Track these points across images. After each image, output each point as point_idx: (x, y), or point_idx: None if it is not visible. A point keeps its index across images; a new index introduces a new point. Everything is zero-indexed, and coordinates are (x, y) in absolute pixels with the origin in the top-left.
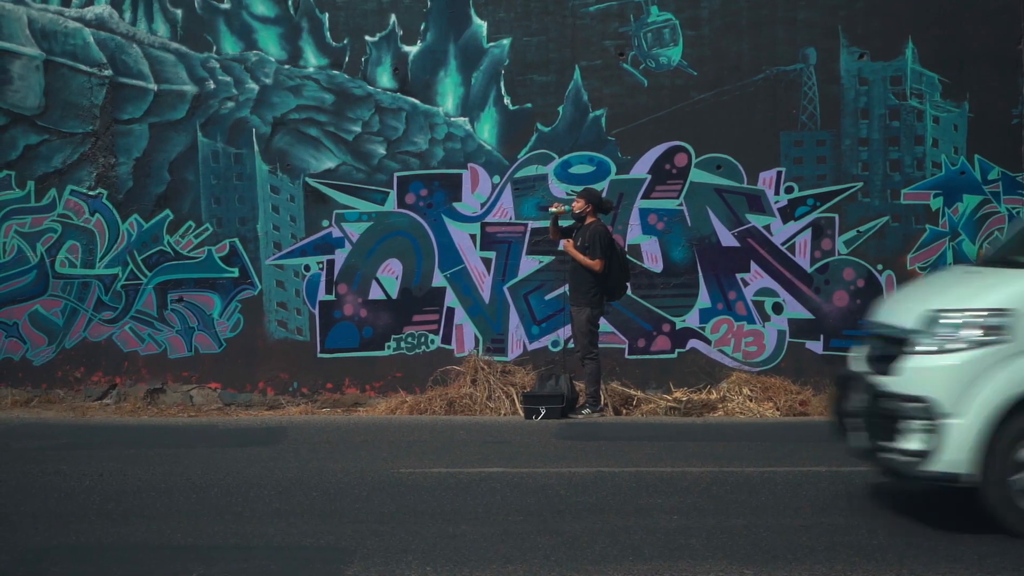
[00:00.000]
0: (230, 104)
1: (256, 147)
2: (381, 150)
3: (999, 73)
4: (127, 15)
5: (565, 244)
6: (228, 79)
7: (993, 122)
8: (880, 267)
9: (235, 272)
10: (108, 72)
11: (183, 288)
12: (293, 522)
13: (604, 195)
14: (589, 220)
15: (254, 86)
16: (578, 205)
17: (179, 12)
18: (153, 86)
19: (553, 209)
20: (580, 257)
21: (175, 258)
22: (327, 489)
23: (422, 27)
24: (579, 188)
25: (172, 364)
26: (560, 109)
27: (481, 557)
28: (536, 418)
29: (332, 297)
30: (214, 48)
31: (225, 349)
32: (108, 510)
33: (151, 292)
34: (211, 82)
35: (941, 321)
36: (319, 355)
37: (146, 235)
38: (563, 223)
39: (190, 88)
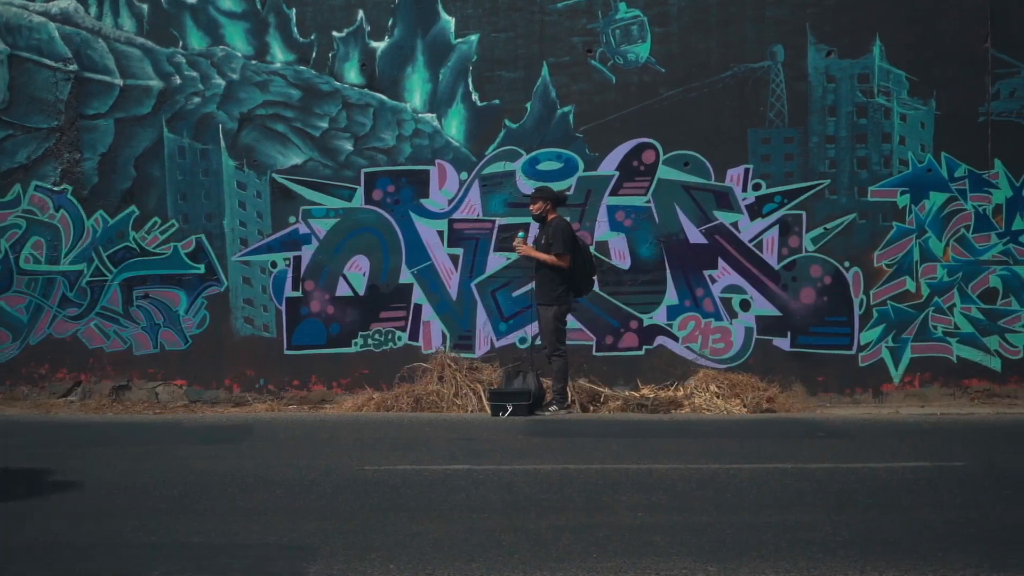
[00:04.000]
0: (196, 99)
1: (223, 143)
2: (348, 146)
3: (966, 71)
4: (92, 9)
5: (524, 249)
6: (194, 74)
7: (960, 120)
8: (847, 264)
9: (201, 268)
10: (73, 67)
11: (149, 285)
12: (257, 520)
13: (569, 191)
14: (551, 217)
15: (221, 81)
16: (537, 207)
17: (145, 7)
18: (119, 81)
19: (516, 245)
20: (544, 256)
21: (141, 254)
22: (292, 486)
23: (390, 23)
24: (544, 184)
25: (138, 361)
26: (528, 106)
27: (445, 555)
28: (503, 415)
29: (299, 294)
30: (180, 43)
31: (191, 346)
32: (70, 508)
33: (116, 288)
34: (177, 77)
35: None
36: (286, 352)
37: (111, 231)
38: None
39: (156, 83)
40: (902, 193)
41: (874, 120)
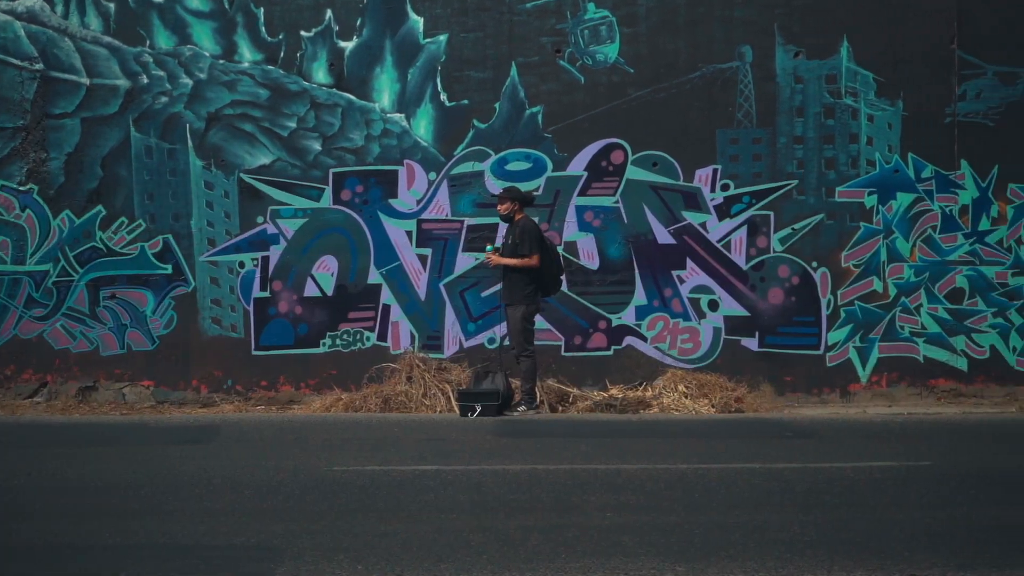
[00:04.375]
0: (164, 99)
1: (190, 142)
2: (316, 146)
3: (933, 72)
4: (59, 8)
5: (495, 260)
6: (162, 74)
7: (927, 121)
8: (815, 264)
9: (168, 269)
10: (39, 66)
11: (116, 285)
12: (224, 521)
13: (538, 191)
14: (518, 217)
15: (188, 81)
16: (504, 208)
17: (112, 6)
18: (85, 80)
19: (488, 256)
20: (515, 262)
21: (107, 254)
22: (259, 487)
23: (358, 22)
24: (507, 184)
25: (104, 361)
26: (497, 106)
27: (413, 555)
28: (472, 415)
29: (267, 294)
30: (147, 42)
31: (158, 346)
32: (36, 510)
33: (83, 289)
34: (144, 77)
35: None
36: (254, 352)
37: (78, 231)
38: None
39: (123, 83)
40: (869, 193)
41: (841, 121)
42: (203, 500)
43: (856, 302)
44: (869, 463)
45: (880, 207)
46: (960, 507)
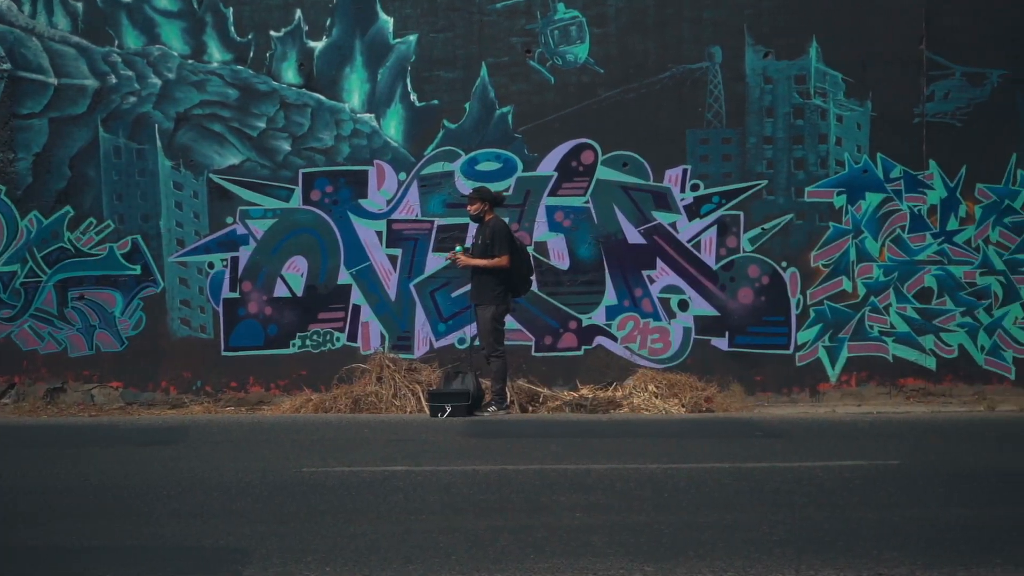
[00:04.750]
0: (132, 99)
1: (159, 143)
2: (286, 146)
3: (901, 73)
4: (26, 8)
5: (464, 261)
6: (130, 74)
7: (895, 121)
8: (784, 264)
9: (137, 269)
10: (7, 66)
11: (84, 286)
12: (191, 523)
13: (508, 191)
14: (488, 218)
15: (157, 81)
16: (474, 208)
17: (80, 5)
18: (53, 80)
19: (453, 256)
20: (485, 263)
21: (76, 255)
22: (228, 489)
23: (328, 22)
24: (484, 185)
25: (73, 363)
26: (467, 106)
27: (382, 556)
28: (442, 416)
29: (236, 295)
30: (116, 42)
31: (127, 347)
32: (2, 512)
33: (51, 290)
34: (113, 77)
35: None
36: (223, 353)
37: (46, 232)
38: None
39: (91, 83)
40: (838, 194)
41: (811, 121)
42: (171, 501)
43: (825, 302)
44: (838, 462)
45: (849, 207)
46: (928, 506)
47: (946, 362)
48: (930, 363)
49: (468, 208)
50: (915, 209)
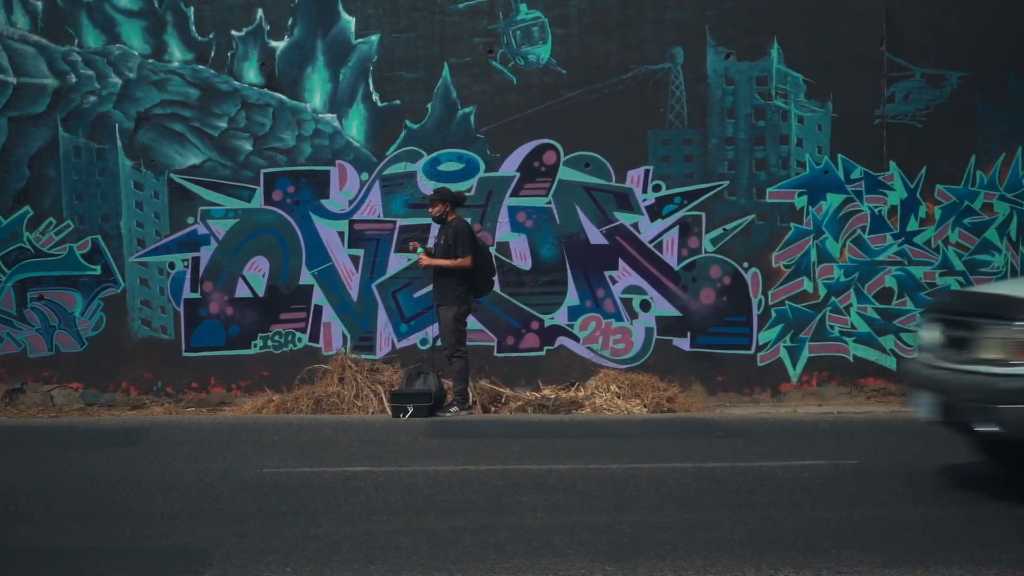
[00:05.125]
0: (92, 98)
1: (119, 142)
2: (248, 146)
3: (862, 74)
4: None
5: (425, 261)
6: (90, 73)
7: (856, 122)
8: (746, 265)
9: (97, 270)
10: None
11: (44, 286)
12: (152, 524)
13: (470, 191)
14: (451, 218)
15: (117, 80)
16: (436, 209)
17: (39, 4)
18: (12, 79)
19: (414, 250)
20: (445, 262)
21: (35, 255)
22: (188, 490)
23: (289, 22)
24: (445, 185)
25: (32, 364)
26: (429, 106)
27: (343, 557)
28: (404, 416)
29: (197, 295)
30: (76, 41)
31: (87, 348)
32: None
33: (10, 290)
34: (73, 76)
35: None
36: (184, 354)
37: (5, 232)
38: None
39: (51, 82)
40: (800, 194)
41: (772, 122)
42: (131, 503)
43: (787, 302)
44: (798, 462)
45: (810, 208)
46: (887, 505)
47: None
48: (890, 363)
49: (430, 210)
50: (875, 210)
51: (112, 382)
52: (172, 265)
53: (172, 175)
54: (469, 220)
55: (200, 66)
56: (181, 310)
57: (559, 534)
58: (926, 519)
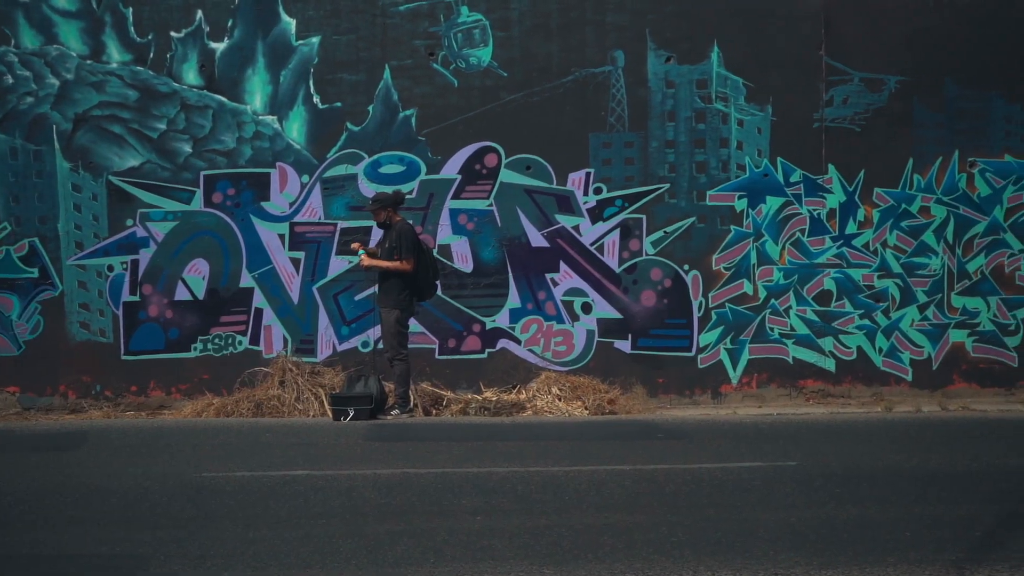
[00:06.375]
0: (29, 99)
1: (57, 144)
2: (187, 148)
3: (801, 78)
4: None
5: (367, 262)
6: (27, 74)
7: (795, 125)
8: (687, 267)
9: (35, 272)
10: None
11: None
12: (89, 529)
13: (411, 194)
14: (395, 220)
15: (55, 81)
16: (380, 217)
17: None
18: None
19: (355, 251)
20: (390, 265)
21: None
22: (126, 495)
23: (229, 23)
24: (385, 188)
25: None
26: (370, 108)
27: (281, 562)
28: (345, 419)
29: (137, 298)
30: (12, 42)
31: (24, 351)
32: None
33: None
34: (9, 77)
35: None
36: (123, 357)
37: None
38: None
39: None
40: (740, 197)
41: (712, 125)
42: (68, 508)
43: (727, 304)
44: (737, 464)
45: (750, 211)
46: (824, 506)
47: (845, 364)
48: (829, 365)
49: (374, 219)
50: (814, 213)
51: (50, 386)
52: (111, 268)
53: (111, 177)
54: (411, 222)
55: (139, 67)
56: (120, 313)
57: (498, 537)
58: (863, 520)
